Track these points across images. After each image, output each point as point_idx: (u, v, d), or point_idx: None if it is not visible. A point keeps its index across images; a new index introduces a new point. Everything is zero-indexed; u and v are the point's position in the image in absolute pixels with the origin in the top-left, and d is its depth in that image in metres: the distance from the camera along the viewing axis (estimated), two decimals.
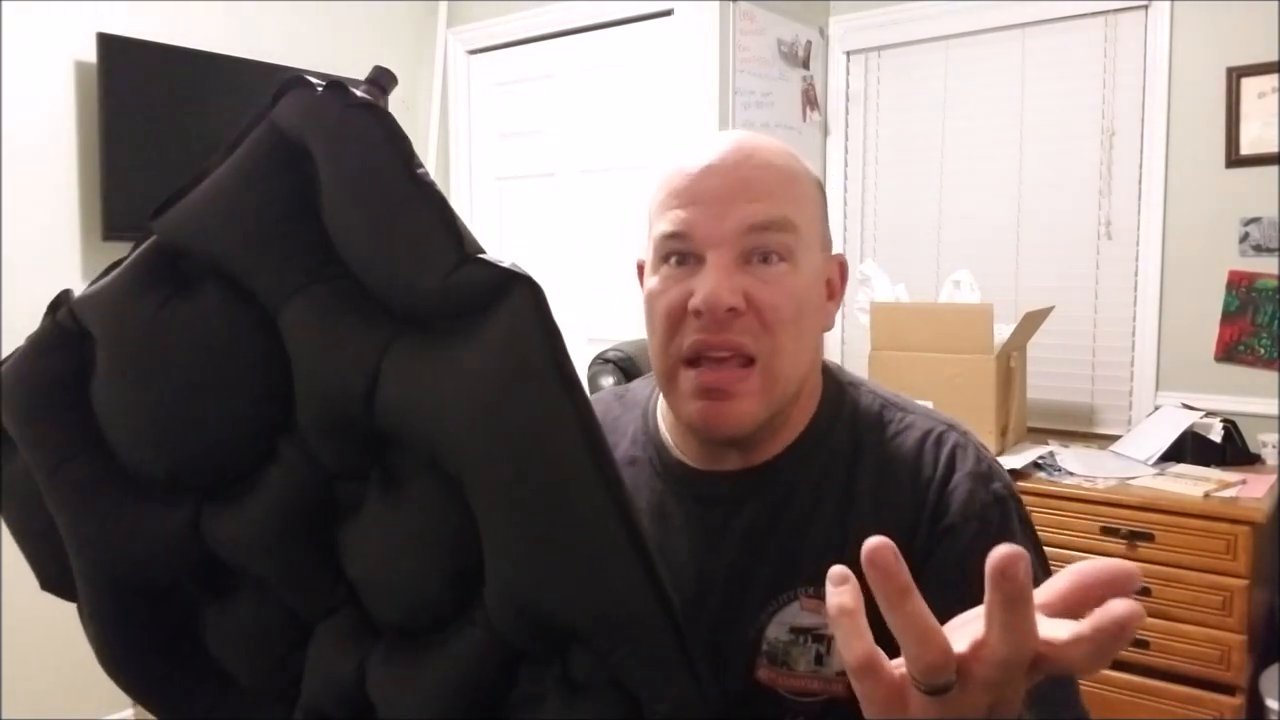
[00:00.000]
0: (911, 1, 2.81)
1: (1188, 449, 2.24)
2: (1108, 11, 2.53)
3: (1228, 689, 1.95)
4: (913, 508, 0.76)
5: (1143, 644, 2.00)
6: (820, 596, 0.43)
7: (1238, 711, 1.94)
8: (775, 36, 2.77)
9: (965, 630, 0.42)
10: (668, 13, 2.69)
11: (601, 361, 1.48)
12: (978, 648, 0.41)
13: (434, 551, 0.68)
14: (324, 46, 2.93)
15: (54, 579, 0.81)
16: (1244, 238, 2.36)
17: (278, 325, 0.71)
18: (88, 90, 2.40)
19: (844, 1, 2.95)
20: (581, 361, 0.85)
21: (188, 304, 0.73)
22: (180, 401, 0.72)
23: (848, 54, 2.97)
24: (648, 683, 0.62)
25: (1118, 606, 0.38)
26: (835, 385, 0.84)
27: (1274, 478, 2.12)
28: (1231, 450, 2.24)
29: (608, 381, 1.43)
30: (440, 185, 0.66)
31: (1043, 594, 0.42)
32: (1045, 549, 0.80)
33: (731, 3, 2.58)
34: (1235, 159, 2.35)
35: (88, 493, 0.75)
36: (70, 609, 0.80)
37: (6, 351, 0.81)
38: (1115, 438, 2.45)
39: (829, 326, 0.83)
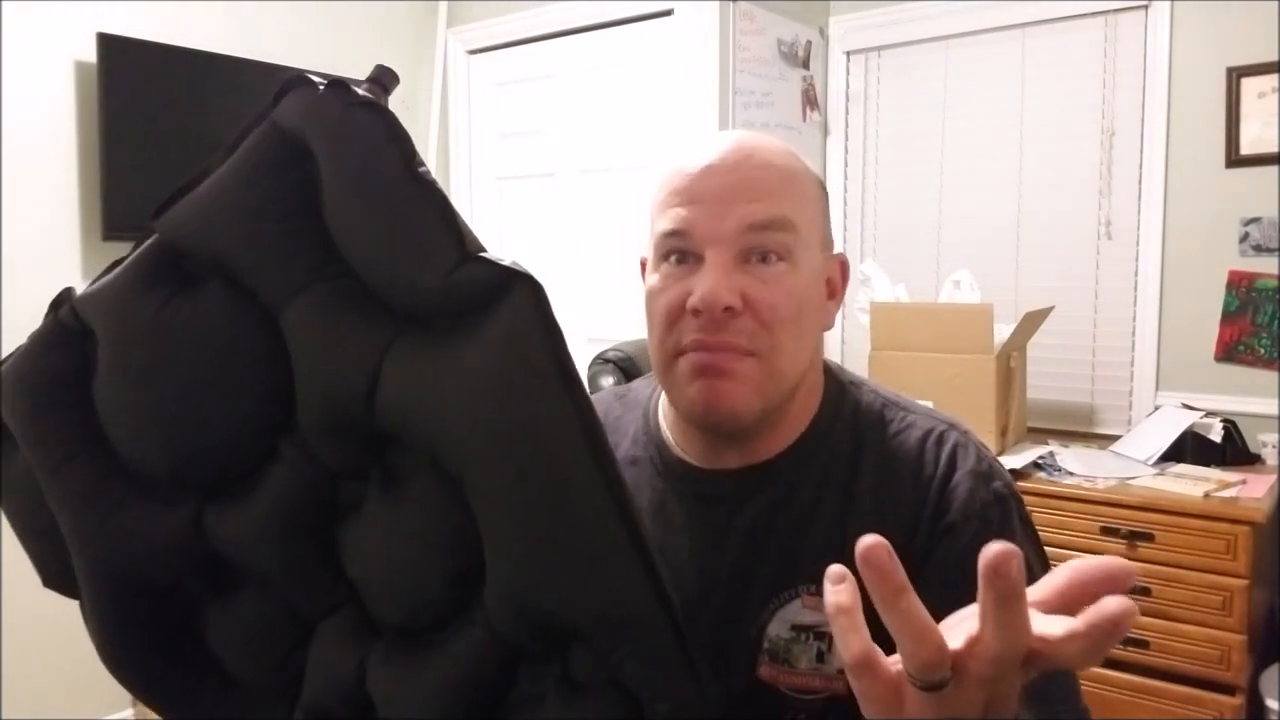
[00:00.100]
0: (911, 1, 2.81)
1: (1188, 449, 2.24)
2: (1108, 11, 2.53)
3: (1228, 689, 1.95)
4: (914, 506, 0.76)
5: (1143, 644, 2.00)
6: (822, 594, 0.43)
7: (1238, 711, 1.94)
8: (775, 36, 2.77)
9: (960, 628, 0.42)
10: (668, 13, 2.70)
11: (601, 361, 1.48)
12: (972, 644, 0.41)
13: (434, 551, 0.68)
14: (324, 46, 2.93)
15: (56, 577, 0.81)
16: (1244, 238, 2.36)
17: (279, 324, 0.71)
18: (88, 90, 2.40)
19: (844, 1, 2.95)
20: (581, 361, 0.85)
21: (190, 302, 0.73)
22: (182, 400, 0.72)
23: (848, 54, 2.97)
24: (648, 682, 0.62)
25: (1112, 603, 0.38)
26: (836, 384, 0.84)
27: (1274, 478, 2.12)
28: (1231, 450, 2.24)
29: (608, 381, 1.43)
30: (440, 185, 0.66)
31: (1038, 590, 0.42)
32: (1045, 549, 0.80)
33: (731, 3, 2.58)
34: (1235, 159, 2.35)
35: (89, 491, 0.75)
36: (71, 608, 0.80)
37: (7, 351, 0.81)
38: (1115, 438, 2.45)
39: (829, 326, 0.83)
